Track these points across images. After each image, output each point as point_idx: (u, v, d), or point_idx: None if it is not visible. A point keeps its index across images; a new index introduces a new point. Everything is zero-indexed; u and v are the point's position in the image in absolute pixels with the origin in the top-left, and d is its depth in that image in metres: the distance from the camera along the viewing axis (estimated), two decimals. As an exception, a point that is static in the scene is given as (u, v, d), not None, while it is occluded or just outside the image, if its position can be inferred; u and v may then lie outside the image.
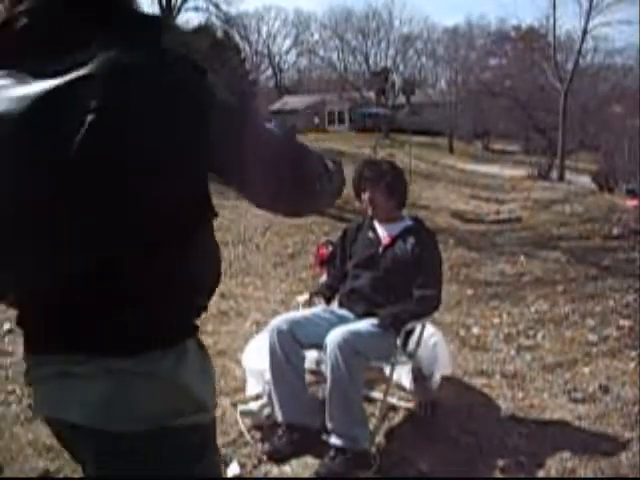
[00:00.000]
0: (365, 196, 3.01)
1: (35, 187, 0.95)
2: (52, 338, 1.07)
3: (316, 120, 48.15)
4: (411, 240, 2.91)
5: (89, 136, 0.92)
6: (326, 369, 2.68)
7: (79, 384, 1.06)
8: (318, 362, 2.91)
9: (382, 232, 3.03)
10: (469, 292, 5.68)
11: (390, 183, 2.99)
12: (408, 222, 3.04)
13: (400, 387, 3.04)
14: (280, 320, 2.87)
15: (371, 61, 41.79)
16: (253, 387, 3.06)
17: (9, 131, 0.94)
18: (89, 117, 0.91)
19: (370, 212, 3.03)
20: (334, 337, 2.65)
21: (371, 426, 2.82)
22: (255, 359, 3.09)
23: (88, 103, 0.92)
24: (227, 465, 2.68)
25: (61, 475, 2.56)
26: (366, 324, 2.79)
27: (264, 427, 2.96)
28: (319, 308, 3.07)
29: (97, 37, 0.96)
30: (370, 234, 3.06)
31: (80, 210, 0.96)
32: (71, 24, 0.99)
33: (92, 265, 0.99)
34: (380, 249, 2.99)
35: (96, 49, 0.94)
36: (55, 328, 1.06)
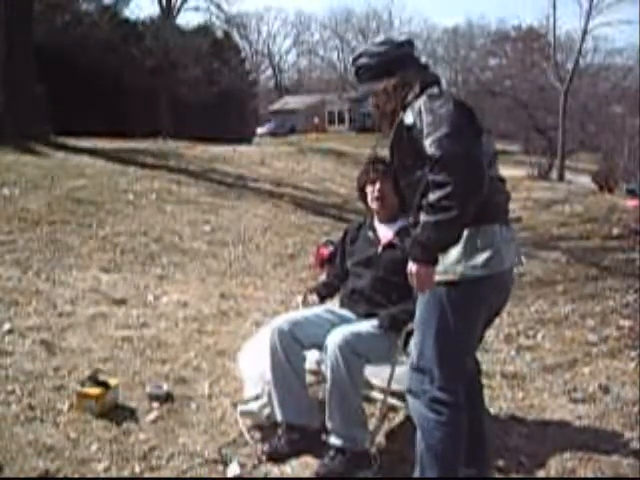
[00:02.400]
0: (375, 187, 2.96)
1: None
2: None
3: (316, 120, 48.13)
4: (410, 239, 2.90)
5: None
6: (326, 369, 2.68)
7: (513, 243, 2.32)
8: (318, 362, 2.91)
9: (382, 231, 3.03)
10: (469, 292, 5.66)
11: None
12: (407, 222, 3.03)
13: (398, 392, 3.03)
14: (281, 320, 2.87)
15: (371, 61, 41.67)
16: (250, 390, 3.05)
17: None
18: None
19: (375, 205, 3.00)
20: (334, 338, 2.65)
21: (371, 426, 2.82)
22: (250, 362, 3.09)
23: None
24: (227, 465, 2.68)
25: (61, 475, 2.56)
26: (366, 325, 2.78)
27: (264, 427, 2.96)
28: (320, 308, 3.07)
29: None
30: (370, 233, 3.06)
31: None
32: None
33: None
34: (379, 249, 2.98)
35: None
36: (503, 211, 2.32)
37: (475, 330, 2.31)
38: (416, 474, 2.35)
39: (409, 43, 2.48)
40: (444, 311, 2.20)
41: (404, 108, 2.28)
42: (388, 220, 3.01)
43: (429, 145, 2.09)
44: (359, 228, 3.15)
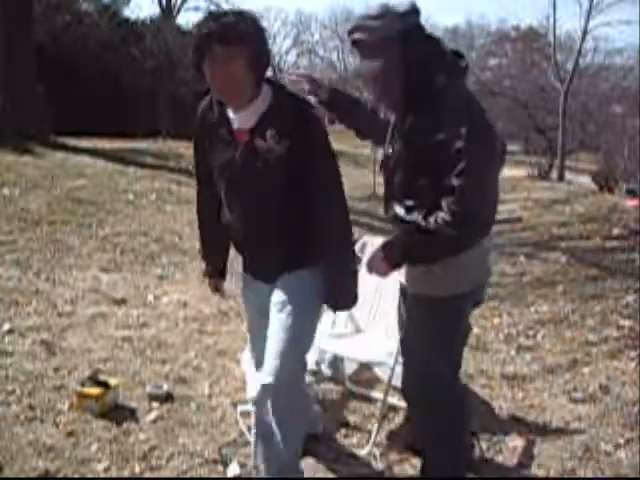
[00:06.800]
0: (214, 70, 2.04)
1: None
2: None
3: (316, 120, 48.10)
4: (271, 131, 2.05)
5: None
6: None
7: None
8: (318, 362, 2.91)
9: (238, 122, 2.13)
10: (469, 292, 5.66)
11: (254, 46, 2.01)
12: (268, 98, 2.07)
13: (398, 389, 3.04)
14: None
15: (371, 61, 41.68)
16: (252, 390, 3.05)
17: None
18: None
19: (220, 94, 2.14)
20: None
21: (371, 426, 2.82)
22: (252, 363, 3.08)
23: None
24: (227, 465, 2.68)
25: (61, 475, 2.56)
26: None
27: (264, 427, 2.95)
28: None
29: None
30: (223, 131, 2.15)
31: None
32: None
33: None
34: (237, 154, 2.11)
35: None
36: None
37: (466, 323, 2.49)
38: (427, 459, 2.48)
39: (414, 12, 2.10)
40: (443, 317, 2.32)
41: (425, 104, 2.09)
42: (242, 106, 2.10)
43: (462, 179, 1.99)
44: (209, 116, 2.21)
